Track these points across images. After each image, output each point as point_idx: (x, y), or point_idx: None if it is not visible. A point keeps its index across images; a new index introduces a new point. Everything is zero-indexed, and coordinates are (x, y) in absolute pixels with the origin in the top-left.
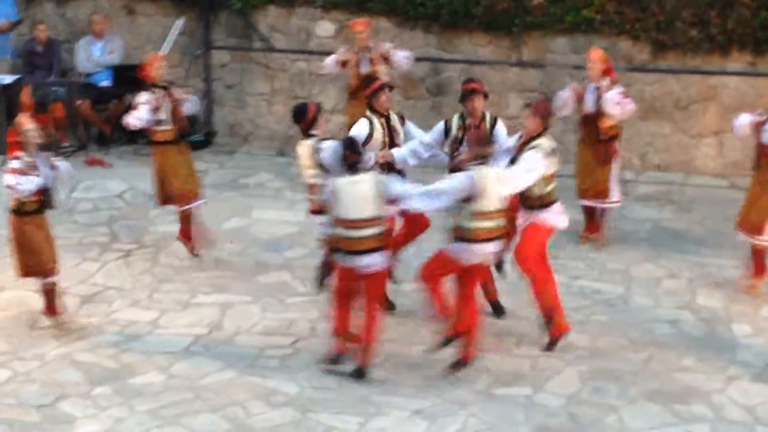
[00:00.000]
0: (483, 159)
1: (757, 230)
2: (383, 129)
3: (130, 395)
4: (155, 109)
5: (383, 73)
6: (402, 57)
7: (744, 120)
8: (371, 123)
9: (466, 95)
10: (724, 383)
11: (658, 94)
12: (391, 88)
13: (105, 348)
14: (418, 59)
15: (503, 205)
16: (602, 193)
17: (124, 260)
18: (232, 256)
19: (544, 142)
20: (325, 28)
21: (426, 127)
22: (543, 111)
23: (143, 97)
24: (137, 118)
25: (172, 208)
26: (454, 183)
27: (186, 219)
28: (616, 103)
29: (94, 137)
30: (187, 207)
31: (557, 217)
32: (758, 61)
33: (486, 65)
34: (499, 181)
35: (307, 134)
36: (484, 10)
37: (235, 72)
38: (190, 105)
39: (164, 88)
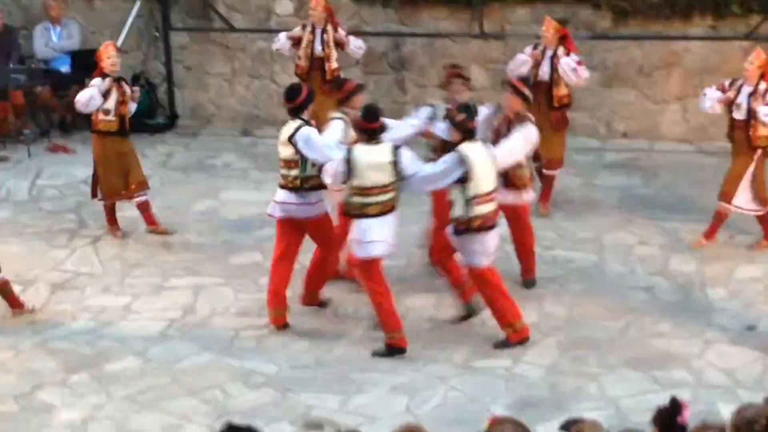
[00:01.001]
0: (466, 134)
1: (725, 196)
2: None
3: (107, 381)
4: (104, 95)
5: (334, 57)
6: (355, 47)
7: (712, 96)
8: (345, 123)
9: (449, 79)
10: (702, 348)
11: (621, 61)
12: (362, 87)
13: (79, 335)
14: (379, 34)
15: (495, 186)
16: (557, 162)
17: (93, 246)
18: (202, 238)
19: (531, 116)
20: (285, 6)
21: (390, 102)
22: (522, 89)
23: (95, 81)
24: (89, 98)
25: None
26: (447, 162)
27: (145, 207)
28: (572, 69)
29: (56, 124)
30: (140, 199)
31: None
32: (719, 25)
33: (447, 38)
34: (488, 158)
35: (294, 115)
36: None
37: (195, 53)
38: (133, 106)
39: (116, 79)
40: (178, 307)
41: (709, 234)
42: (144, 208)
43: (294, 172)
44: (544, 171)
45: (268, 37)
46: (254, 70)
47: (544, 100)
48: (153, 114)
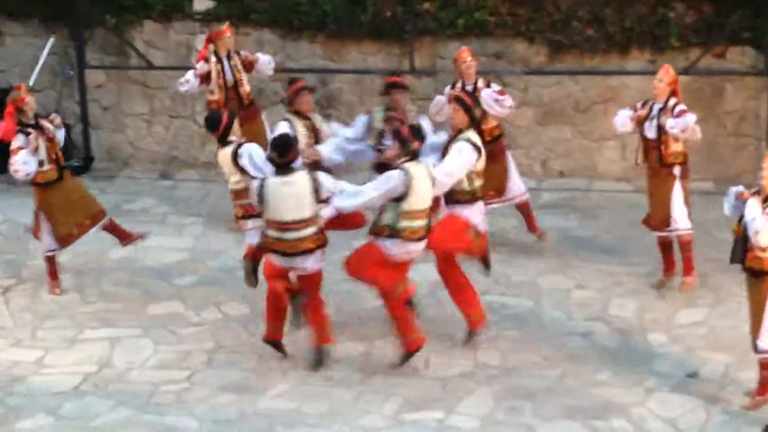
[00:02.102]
0: (411, 155)
1: (663, 223)
2: (307, 131)
3: None
4: (34, 152)
5: (246, 81)
6: (265, 61)
7: (624, 115)
8: (292, 125)
9: (389, 88)
10: (643, 396)
11: (556, 96)
12: (311, 90)
13: None
14: (305, 71)
15: (430, 204)
16: (501, 192)
17: (3, 297)
18: (119, 287)
19: (473, 135)
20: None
21: None
22: (469, 103)
23: (19, 141)
24: (25, 165)
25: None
26: (384, 182)
27: (111, 227)
28: (495, 101)
29: None
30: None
31: (479, 216)
32: (658, 59)
33: (376, 74)
34: (428, 179)
35: (223, 142)
36: (372, 16)
37: (112, 92)
38: (61, 134)
39: (35, 125)
40: (94, 360)
41: (688, 269)
42: (111, 228)
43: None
44: (493, 203)
45: None
46: (174, 110)
47: None
48: (67, 156)
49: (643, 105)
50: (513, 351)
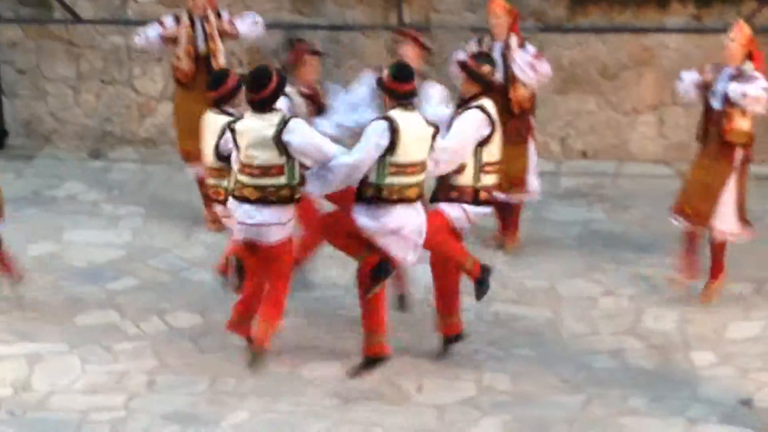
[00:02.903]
0: (405, 101)
1: (702, 218)
2: (309, 107)
3: None
4: None
5: (221, 52)
6: (248, 24)
7: (689, 79)
8: (290, 100)
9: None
10: (686, 427)
11: (579, 60)
12: (318, 53)
13: None
14: (270, 26)
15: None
16: (519, 183)
17: None
18: (39, 292)
19: (486, 102)
20: None
21: None
22: (476, 68)
23: None
24: None
25: None
26: (369, 134)
27: None
28: (530, 65)
29: None
30: None
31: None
32: (704, 14)
33: (357, 31)
34: (419, 127)
35: (219, 107)
36: None
37: (30, 52)
38: None
39: None
40: (8, 383)
41: (716, 272)
42: None
43: (278, 181)
44: (500, 195)
45: (125, 30)
46: (107, 73)
47: (499, 108)
48: None
49: (713, 69)
50: (526, 373)
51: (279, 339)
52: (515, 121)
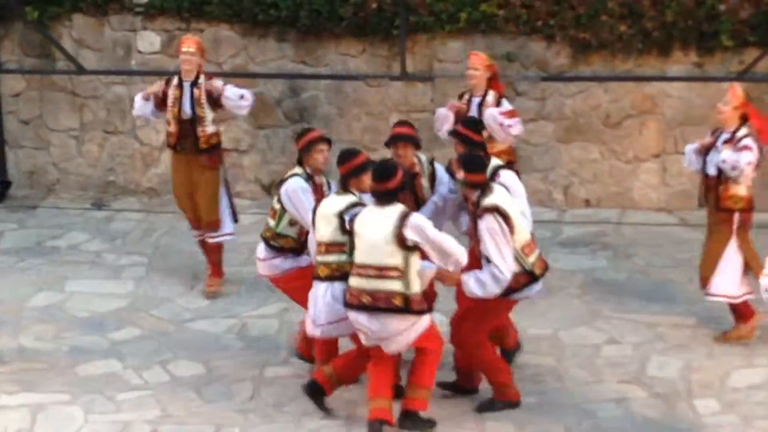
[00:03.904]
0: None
1: (703, 282)
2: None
3: None
4: None
5: (210, 119)
6: (234, 98)
7: (690, 149)
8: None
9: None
10: None
11: (581, 108)
12: (328, 142)
13: None
14: (272, 76)
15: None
16: None
17: None
18: (41, 342)
19: (497, 196)
20: (150, 40)
21: (286, 163)
22: (469, 135)
23: None
24: None
25: None
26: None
27: None
28: (499, 124)
29: None
30: None
31: None
32: (706, 62)
33: (360, 80)
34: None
35: (386, 201)
36: (355, 9)
37: (34, 102)
38: None
39: None
40: None
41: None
42: None
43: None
44: None
45: (129, 80)
46: (110, 124)
47: None
48: None
49: (712, 134)
50: (530, 421)
51: (283, 389)
52: None
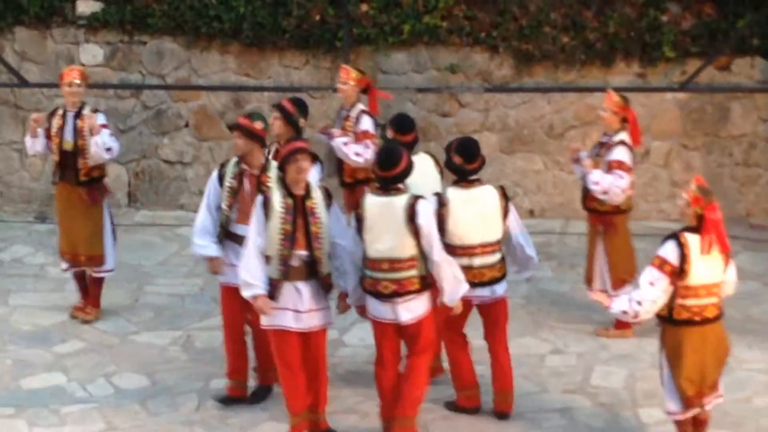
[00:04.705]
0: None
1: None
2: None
3: None
4: None
5: (91, 153)
6: (102, 146)
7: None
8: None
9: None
10: None
11: (525, 119)
12: (315, 158)
13: None
14: (216, 88)
15: None
16: None
17: None
18: None
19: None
20: (93, 53)
21: None
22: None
23: None
24: None
25: None
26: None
27: None
28: (344, 154)
29: None
30: None
31: None
32: (649, 73)
33: (303, 92)
34: None
35: (389, 186)
36: (298, 22)
37: None
38: None
39: None
40: None
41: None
42: None
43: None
44: None
45: None
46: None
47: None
48: None
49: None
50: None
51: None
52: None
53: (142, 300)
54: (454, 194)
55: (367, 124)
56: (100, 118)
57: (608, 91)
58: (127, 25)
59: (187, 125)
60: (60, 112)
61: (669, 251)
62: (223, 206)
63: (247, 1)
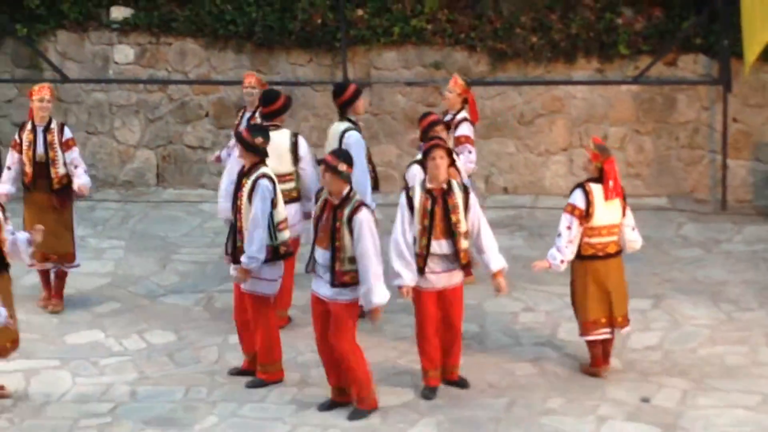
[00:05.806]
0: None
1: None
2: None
3: None
4: None
5: (62, 162)
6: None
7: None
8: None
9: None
10: (596, 424)
11: (499, 108)
12: (447, 125)
13: None
14: (231, 83)
15: None
16: None
17: None
18: (33, 315)
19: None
20: (125, 53)
21: None
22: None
23: None
24: None
25: None
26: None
27: None
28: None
29: None
30: None
31: None
32: (606, 68)
33: (308, 86)
34: None
35: (342, 114)
36: (302, 25)
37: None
38: None
39: None
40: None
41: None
42: None
43: None
44: None
45: (107, 88)
46: (91, 126)
47: None
48: None
49: (444, 115)
50: None
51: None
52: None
53: (169, 267)
54: None
55: (466, 129)
56: (67, 133)
57: (454, 76)
58: (155, 28)
59: (207, 115)
60: (29, 126)
61: (577, 198)
62: None
63: (259, 7)
